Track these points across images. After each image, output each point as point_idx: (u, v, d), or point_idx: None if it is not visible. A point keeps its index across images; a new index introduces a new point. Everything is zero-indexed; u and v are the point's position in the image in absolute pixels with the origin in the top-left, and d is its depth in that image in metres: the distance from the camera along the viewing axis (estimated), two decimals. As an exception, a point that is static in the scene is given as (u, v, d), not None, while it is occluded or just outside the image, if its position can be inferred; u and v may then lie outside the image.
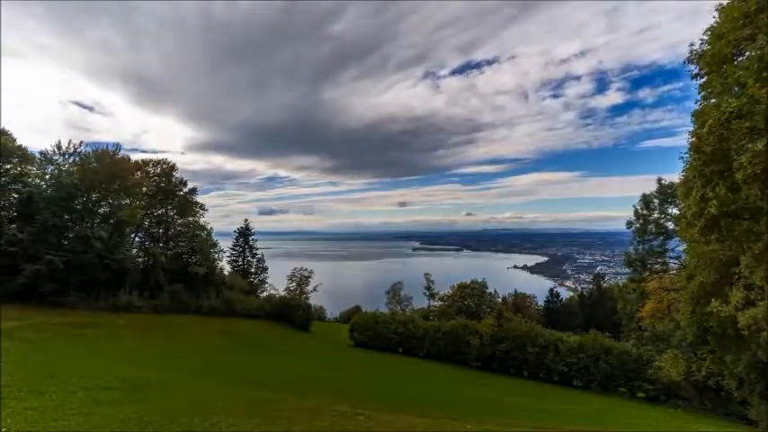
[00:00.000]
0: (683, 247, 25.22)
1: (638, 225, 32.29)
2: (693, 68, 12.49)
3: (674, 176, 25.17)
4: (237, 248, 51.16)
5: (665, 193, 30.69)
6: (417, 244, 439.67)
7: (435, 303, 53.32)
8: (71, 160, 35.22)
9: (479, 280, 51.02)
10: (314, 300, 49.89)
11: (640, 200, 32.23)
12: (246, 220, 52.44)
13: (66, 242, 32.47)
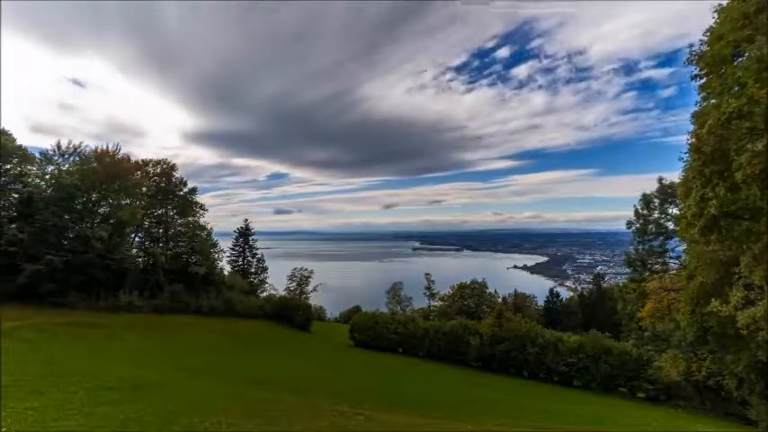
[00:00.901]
0: (683, 247, 25.23)
1: (638, 225, 32.32)
2: (693, 69, 12.49)
3: (675, 176, 25.14)
4: (237, 248, 51.19)
5: (666, 193, 30.70)
6: (417, 244, 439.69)
7: (435, 303, 53.34)
8: (71, 160, 35.26)
9: (479, 280, 51.04)
10: (314, 300, 49.97)
11: (641, 200, 32.25)
12: (246, 220, 52.55)
13: (66, 242, 32.49)
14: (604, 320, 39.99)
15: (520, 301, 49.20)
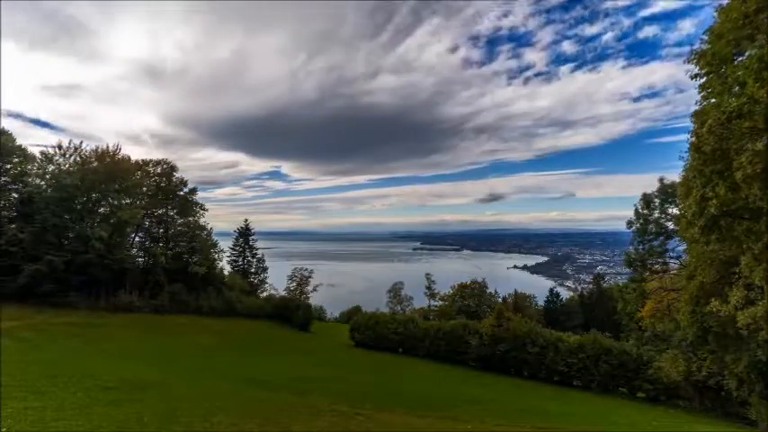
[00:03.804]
0: (683, 247, 25.21)
1: (638, 225, 32.29)
2: (693, 69, 12.48)
3: (675, 176, 25.11)
4: (237, 248, 51.18)
5: (666, 193, 30.67)
6: (418, 244, 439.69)
7: (436, 303, 53.34)
8: (71, 160, 35.25)
9: (479, 280, 51.03)
10: (314, 300, 49.95)
11: (641, 199, 32.22)
12: (246, 220, 52.50)
13: (66, 242, 32.50)
14: (604, 320, 39.99)
15: (520, 301, 49.19)
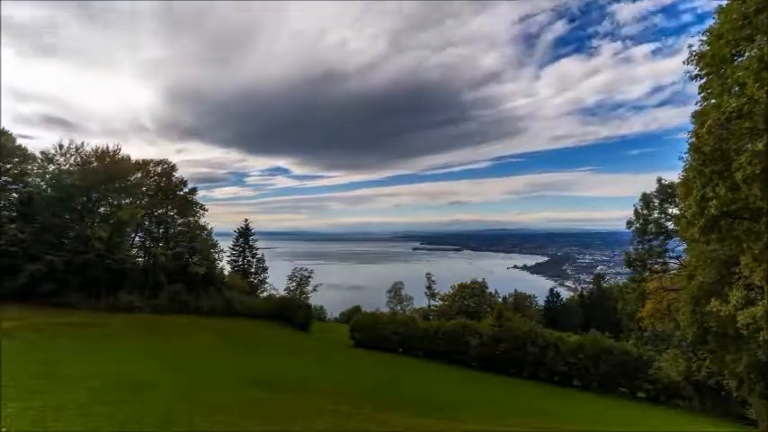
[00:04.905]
0: (683, 247, 25.23)
1: (638, 225, 32.26)
2: (692, 70, 12.48)
3: (675, 176, 25.10)
4: (237, 248, 51.19)
5: (666, 193, 30.66)
6: (418, 244, 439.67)
7: (436, 303, 53.39)
8: (72, 160, 35.25)
9: (479, 280, 51.06)
10: (314, 300, 49.97)
11: (640, 199, 32.19)
12: (246, 220, 52.51)
13: (66, 242, 32.49)
14: (604, 320, 40.01)
15: (520, 301, 49.26)
